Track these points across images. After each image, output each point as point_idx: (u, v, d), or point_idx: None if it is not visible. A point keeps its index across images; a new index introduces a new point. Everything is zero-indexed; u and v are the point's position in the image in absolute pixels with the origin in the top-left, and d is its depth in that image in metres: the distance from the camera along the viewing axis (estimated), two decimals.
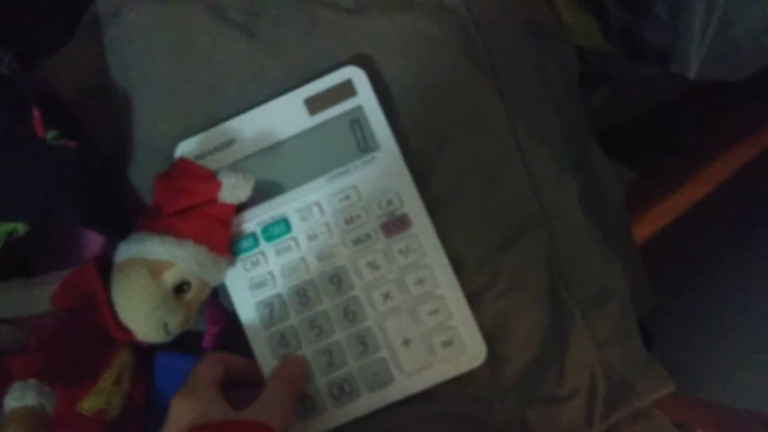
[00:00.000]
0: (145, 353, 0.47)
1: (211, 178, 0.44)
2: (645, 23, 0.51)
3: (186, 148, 0.47)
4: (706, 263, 0.68)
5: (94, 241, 0.50)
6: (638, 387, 0.45)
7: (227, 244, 0.46)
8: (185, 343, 0.47)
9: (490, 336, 0.45)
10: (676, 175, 0.84)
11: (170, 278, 0.43)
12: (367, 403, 0.46)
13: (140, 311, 0.43)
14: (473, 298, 0.46)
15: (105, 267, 0.45)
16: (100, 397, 0.43)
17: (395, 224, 0.46)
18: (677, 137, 0.85)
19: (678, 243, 0.79)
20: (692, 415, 0.48)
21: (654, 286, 0.58)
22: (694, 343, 0.58)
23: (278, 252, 0.47)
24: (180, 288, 0.44)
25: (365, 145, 0.47)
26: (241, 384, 0.45)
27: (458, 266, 0.46)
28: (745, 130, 0.84)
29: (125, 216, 0.50)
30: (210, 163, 0.47)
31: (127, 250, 0.43)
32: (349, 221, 0.47)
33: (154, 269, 0.43)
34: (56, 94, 0.49)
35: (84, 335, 0.43)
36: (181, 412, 0.40)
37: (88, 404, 0.42)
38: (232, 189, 0.44)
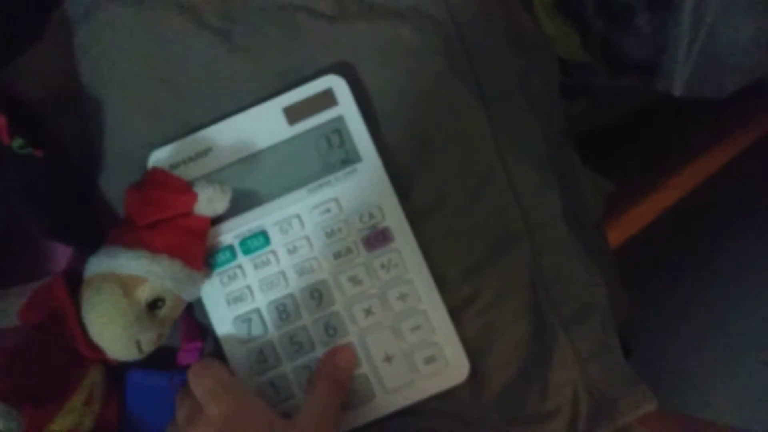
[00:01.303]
0: (115, 370, 0.46)
1: (186, 189, 0.43)
2: (626, 35, 0.51)
3: (159, 157, 0.46)
4: (680, 271, 0.69)
5: (61, 254, 0.48)
6: (621, 404, 0.45)
7: (203, 258, 0.44)
8: (156, 360, 0.45)
9: (472, 352, 0.45)
10: (647, 181, 0.85)
11: (144, 294, 0.41)
12: (347, 420, 0.44)
13: (112, 329, 0.41)
14: (456, 313, 0.45)
15: (74, 281, 0.43)
16: (70, 419, 0.41)
17: (377, 238, 0.45)
18: (647, 144, 0.86)
19: (649, 250, 0.79)
20: (671, 430, 0.48)
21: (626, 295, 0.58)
22: (668, 355, 0.58)
23: (256, 266, 0.46)
24: (153, 304, 0.42)
25: (346, 156, 0.46)
26: None
27: (441, 281, 0.45)
28: (715, 137, 0.85)
29: (95, 227, 0.49)
30: (185, 172, 0.45)
31: (97, 265, 0.42)
32: (329, 234, 0.45)
33: (126, 285, 0.41)
34: (23, 99, 0.46)
35: (53, 353, 0.41)
36: (230, 417, 0.39)
37: (58, 426, 0.40)
38: (209, 201, 0.43)
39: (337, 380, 0.43)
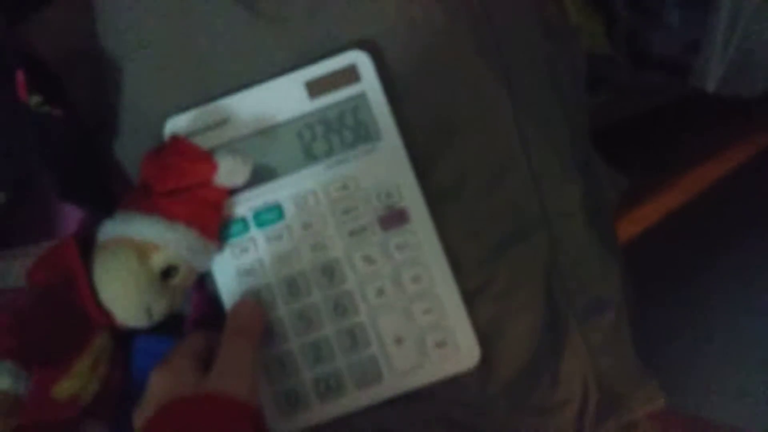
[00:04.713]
0: (122, 336, 0.45)
1: (207, 159, 0.42)
2: (654, 30, 0.50)
3: (176, 124, 0.45)
4: (684, 272, 0.69)
5: (72, 216, 0.47)
6: (630, 399, 0.45)
7: (218, 229, 0.44)
8: (164, 326, 0.45)
9: (483, 338, 0.45)
10: (652, 183, 0.85)
11: (158, 262, 0.41)
12: (353, 400, 0.44)
13: (125, 295, 0.40)
14: (469, 299, 0.45)
15: (84, 244, 0.43)
16: (76, 382, 0.40)
17: (393, 218, 0.45)
18: (655, 144, 0.85)
19: (654, 250, 0.79)
20: (674, 428, 0.48)
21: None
22: (671, 354, 0.58)
23: (269, 239, 0.45)
24: (167, 272, 0.42)
25: (366, 133, 0.45)
26: None
27: (456, 265, 0.45)
28: (721, 143, 0.85)
29: (106, 191, 0.48)
30: (201, 141, 0.45)
31: (113, 229, 0.41)
32: (345, 212, 0.45)
33: (141, 251, 0.40)
34: (40, 58, 0.46)
35: (61, 315, 0.41)
36: (156, 386, 0.39)
37: (63, 389, 0.40)
38: (229, 172, 0.42)
39: (244, 329, 0.42)
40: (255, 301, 0.44)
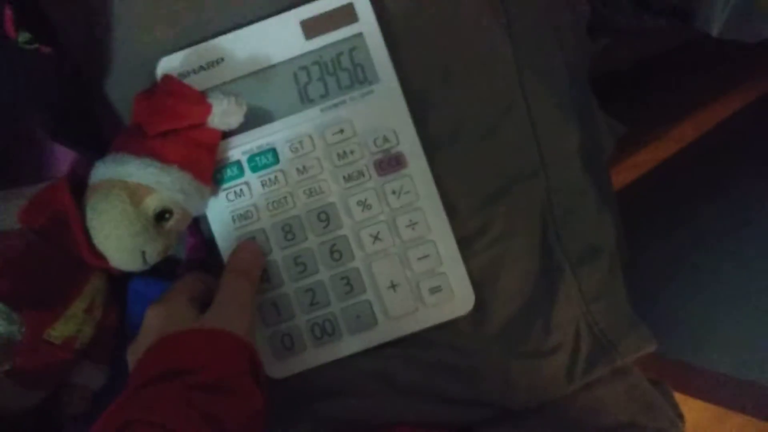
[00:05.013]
0: (117, 279, 0.45)
1: (201, 100, 0.41)
2: None
3: (169, 64, 0.44)
4: (675, 220, 0.69)
5: (63, 158, 0.46)
6: (621, 345, 0.45)
7: (212, 172, 0.43)
8: (160, 270, 0.45)
9: (478, 284, 0.45)
10: (646, 130, 0.84)
11: (151, 205, 0.40)
12: (348, 344, 0.45)
13: (118, 238, 0.40)
14: (464, 245, 0.45)
15: (76, 186, 0.42)
16: (71, 325, 0.40)
17: (390, 163, 0.44)
18: (650, 92, 0.84)
19: (646, 199, 0.79)
20: (663, 375, 0.49)
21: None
22: (663, 302, 0.59)
23: (264, 184, 0.45)
24: (161, 216, 0.41)
25: (363, 76, 0.44)
26: None
27: (451, 211, 0.44)
28: (718, 90, 0.84)
29: (97, 132, 0.47)
30: (195, 82, 0.44)
31: (105, 171, 0.40)
32: (341, 156, 0.44)
33: (134, 194, 0.40)
34: None
35: (54, 258, 0.40)
36: (152, 322, 0.40)
37: (58, 332, 0.40)
38: (223, 114, 0.42)
39: (242, 270, 0.43)
40: (256, 244, 0.44)
